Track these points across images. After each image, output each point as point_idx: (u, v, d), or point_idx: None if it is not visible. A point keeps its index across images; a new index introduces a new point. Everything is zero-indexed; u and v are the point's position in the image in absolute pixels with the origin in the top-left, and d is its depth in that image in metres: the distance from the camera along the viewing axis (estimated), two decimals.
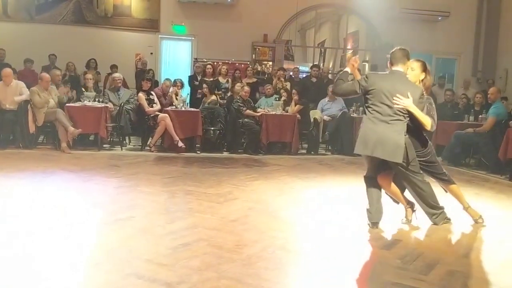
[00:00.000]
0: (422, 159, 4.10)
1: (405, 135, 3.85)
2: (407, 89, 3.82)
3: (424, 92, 3.95)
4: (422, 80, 4.13)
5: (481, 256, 3.56)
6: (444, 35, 12.13)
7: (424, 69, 4.13)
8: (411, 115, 3.91)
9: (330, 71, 13.27)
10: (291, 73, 11.03)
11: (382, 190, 4.16)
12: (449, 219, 4.25)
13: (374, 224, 4.06)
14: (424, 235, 4.02)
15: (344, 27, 13.45)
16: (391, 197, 4.32)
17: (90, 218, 3.98)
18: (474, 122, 8.44)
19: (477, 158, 8.21)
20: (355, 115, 9.08)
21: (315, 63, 11.53)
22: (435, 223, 4.19)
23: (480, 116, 8.49)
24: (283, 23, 11.83)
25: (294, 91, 8.96)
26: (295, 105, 8.79)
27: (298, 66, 11.72)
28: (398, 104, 3.82)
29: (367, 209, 4.12)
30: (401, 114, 3.84)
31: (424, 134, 4.14)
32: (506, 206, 5.34)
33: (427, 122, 3.94)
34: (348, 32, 13.54)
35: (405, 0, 11.52)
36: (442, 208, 4.24)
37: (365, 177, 4.19)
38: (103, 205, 4.38)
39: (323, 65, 14.03)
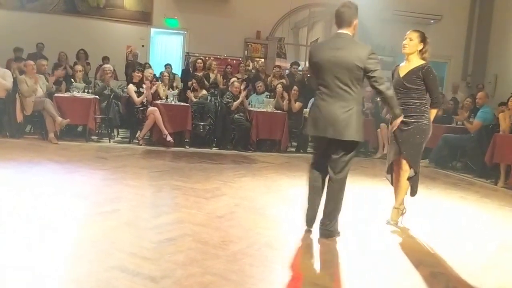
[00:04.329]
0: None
1: (363, 110, 3.59)
2: (351, 52, 3.41)
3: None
4: (421, 51, 4.06)
5: (464, 258, 3.59)
6: (435, 38, 12.02)
7: (423, 40, 4.06)
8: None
9: None
10: (286, 71, 10.99)
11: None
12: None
13: (308, 226, 3.77)
14: (407, 236, 4.04)
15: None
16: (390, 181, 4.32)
17: (74, 209, 3.94)
18: (462, 126, 8.51)
19: (463, 162, 8.28)
20: None
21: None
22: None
23: (468, 120, 8.57)
24: (276, 20, 11.82)
25: (295, 88, 8.94)
26: (295, 102, 8.80)
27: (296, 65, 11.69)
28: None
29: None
30: (350, 85, 3.44)
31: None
32: (489, 210, 5.39)
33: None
34: None
35: (398, 2, 11.57)
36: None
37: (311, 164, 3.79)
38: (88, 197, 4.34)
39: None
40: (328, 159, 3.61)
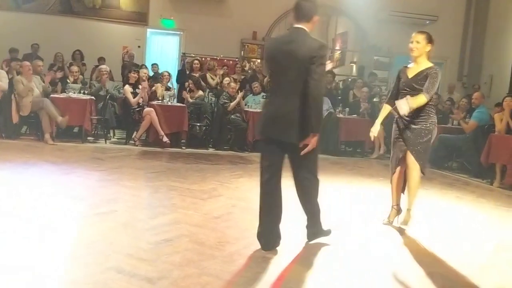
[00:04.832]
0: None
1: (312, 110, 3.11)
2: (302, 46, 3.11)
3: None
4: (428, 52, 4.05)
5: (462, 258, 3.60)
6: None
7: (430, 41, 4.05)
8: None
9: None
10: None
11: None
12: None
13: (266, 249, 3.29)
14: (404, 237, 4.05)
15: (333, 28, 13.48)
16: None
17: (70, 211, 3.92)
18: (458, 126, 8.54)
19: (459, 162, 8.31)
20: (341, 115, 9.14)
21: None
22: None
23: (464, 120, 8.60)
24: (272, 21, 11.81)
25: None
26: None
27: None
28: None
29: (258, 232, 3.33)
30: (299, 83, 3.10)
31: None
32: (486, 210, 5.41)
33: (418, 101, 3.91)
34: (337, 32, 13.59)
35: (394, 3, 11.59)
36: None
37: (262, 182, 3.35)
38: (85, 198, 4.33)
39: None
40: (280, 163, 3.33)
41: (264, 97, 7.84)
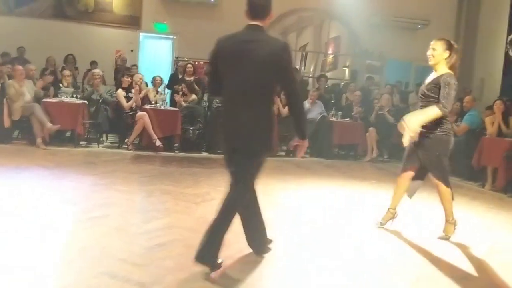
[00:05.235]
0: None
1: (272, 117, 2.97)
2: (264, 46, 2.84)
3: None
4: (446, 59, 3.90)
5: (455, 261, 3.62)
6: (423, 43, 12.18)
7: (449, 48, 3.90)
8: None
9: (311, 75, 13.37)
10: None
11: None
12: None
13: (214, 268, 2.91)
14: (397, 239, 4.07)
15: (326, 32, 13.54)
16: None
17: (63, 215, 3.90)
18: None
19: (451, 165, 8.34)
20: (334, 119, 9.17)
21: (295, 66, 11.55)
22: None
23: (456, 123, 8.66)
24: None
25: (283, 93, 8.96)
26: (284, 107, 8.82)
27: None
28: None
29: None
30: (261, 85, 2.85)
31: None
32: (478, 212, 5.45)
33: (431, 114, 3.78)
34: (330, 37, 13.65)
35: (386, 8, 11.65)
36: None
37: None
38: (77, 203, 4.31)
39: (304, 68, 14.12)
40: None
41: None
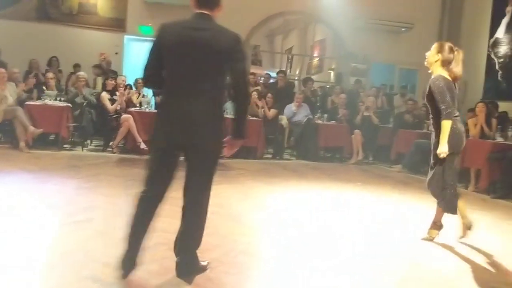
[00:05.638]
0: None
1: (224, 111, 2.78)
2: (215, 35, 2.63)
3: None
4: (437, 61, 3.84)
5: (437, 263, 3.65)
6: (407, 46, 12.43)
7: (439, 50, 3.85)
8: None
9: (297, 78, 13.43)
10: (261, 79, 11.06)
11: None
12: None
13: (123, 274, 2.70)
14: (382, 240, 4.09)
15: (312, 35, 13.61)
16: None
17: (46, 219, 3.85)
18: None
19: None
20: (319, 121, 9.21)
21: (281, 69, 11.59)
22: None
23: None
24: (251, 28, 11.86)
25: (269, 95, 9.00)
26: (269, 110, 8.84)
27: (269, 72, 11.77)
28: None
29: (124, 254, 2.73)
30: (211, 77, 2.62)
31: None
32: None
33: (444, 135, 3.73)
34: (315, 39, 13.72)
35: (371, 11, 11.76)
36: None
37: (141, 194, 2.84)
38: (61, 206, 4.26)
39: (290, 71, 14.17)
40: (170, 179, 2.83)
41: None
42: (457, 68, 3.90)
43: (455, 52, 3.90)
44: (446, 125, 3.76)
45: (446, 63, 3.88)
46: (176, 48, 2.61)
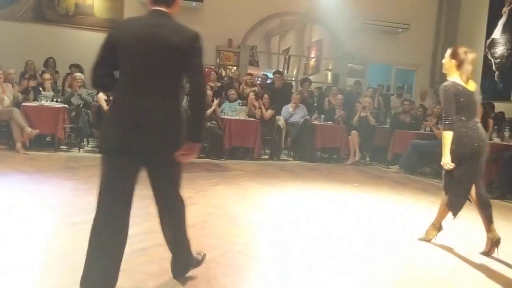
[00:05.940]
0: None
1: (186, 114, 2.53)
2: (173, 32, 2.49)
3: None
4: (453, 67, 3.82)
5: (433, 263, 3.66)
6: (404, 47, 12.49)
7: (453, 55, 3.83)
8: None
9: (294, 78, 13.44)
10: (258, 80, 11.08)
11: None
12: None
13: None
14: (377, 243, 4.10)
15: (308, 36, 13.62)
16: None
17: (44, 221, 3.85)
18: (430, 132, 8.71)
19: (432, 167, 8.46)
20: (316, 122, 9.22)
21: (278, 70, 11.61)
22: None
23: (436, 126, 8.78)
24: (248, 28, 11.87)
25: (266, 96, 9.01)
26: (267, 110, 8.85)
27: (266, 73, 11.78)
28: None
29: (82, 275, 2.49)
30: (168, 75, 2.47)
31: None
32: (459, 215, 5.50)
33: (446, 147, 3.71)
34: (312, 40, 13.74)
35: (368, 12, 11.79)
36: None
37: (95, 222, 2.64)
38: (58, 208, 4.25)
39: (287, 72, 14.18)
40: (133, 186, 2.63)
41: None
42: (465, 67, 3.86)
43: (467, 54, 3.88)
44: (445, 136, 3.75)
45: (460, 67, 3.86)
46: (133, 45, 2.43)
